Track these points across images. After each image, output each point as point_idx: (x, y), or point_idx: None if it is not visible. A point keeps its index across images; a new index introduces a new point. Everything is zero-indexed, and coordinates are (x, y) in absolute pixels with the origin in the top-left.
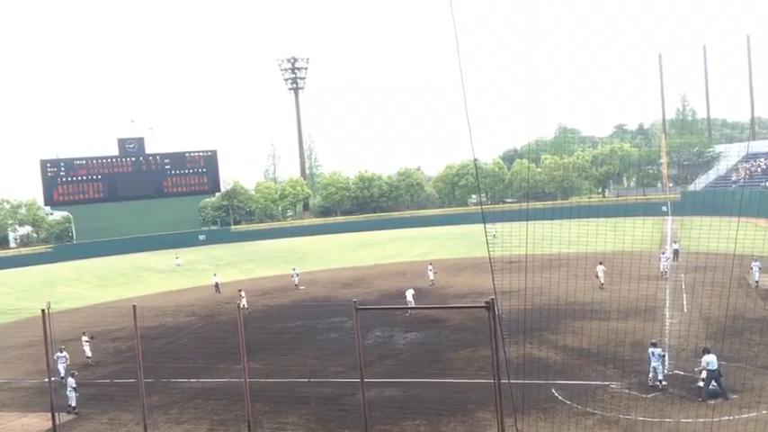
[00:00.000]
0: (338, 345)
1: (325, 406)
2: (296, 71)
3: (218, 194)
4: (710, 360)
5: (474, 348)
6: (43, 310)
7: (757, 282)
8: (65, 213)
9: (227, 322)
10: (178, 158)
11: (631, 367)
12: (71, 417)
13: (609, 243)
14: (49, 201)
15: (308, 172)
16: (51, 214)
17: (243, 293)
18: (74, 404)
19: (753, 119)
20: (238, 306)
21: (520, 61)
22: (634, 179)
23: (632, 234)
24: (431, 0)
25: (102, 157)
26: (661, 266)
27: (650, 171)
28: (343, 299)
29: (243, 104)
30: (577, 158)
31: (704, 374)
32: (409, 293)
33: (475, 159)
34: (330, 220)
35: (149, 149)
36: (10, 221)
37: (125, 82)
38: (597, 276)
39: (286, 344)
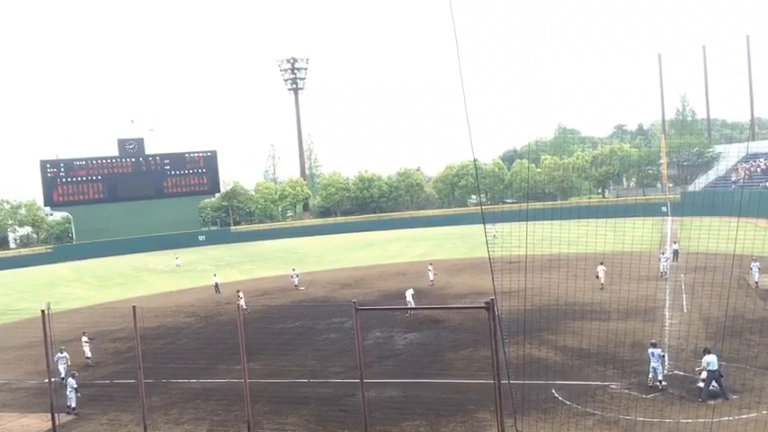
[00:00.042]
0: (338, 345)
1: (325, 406)
2: (296, 71)
3: (217, 195)
4: (711, 360)
5: (474, 349)
6: (43, 311)
7: (757, 282)
8: (65, 214)
9: (226, 323)
10: (178, 159)
11: (631, 368)
12: (71, 417)
13: (609, 243)
14: (49, 201)
15: (307, 172)
16: (51, 215)
17: (241, 294)
18: (74, 405)
19: (752, 119)
20: (238, 306)
21: (520, 61)
22: (634, 179)
23: (632, 234)
24: (431, 0)
25: (101, 158)
26: (661, 267)
27: (650, 171)
28: (342, 299)
29: (243, 105)
30: (577, 159)
31: (704, 375)
32: (409, 294)
33: (475, 160)
34: (330, 220)
35: (149, 150)
36: (10, 222)
37: (125, 82)
38: (598, 277)
39: (286, 344)
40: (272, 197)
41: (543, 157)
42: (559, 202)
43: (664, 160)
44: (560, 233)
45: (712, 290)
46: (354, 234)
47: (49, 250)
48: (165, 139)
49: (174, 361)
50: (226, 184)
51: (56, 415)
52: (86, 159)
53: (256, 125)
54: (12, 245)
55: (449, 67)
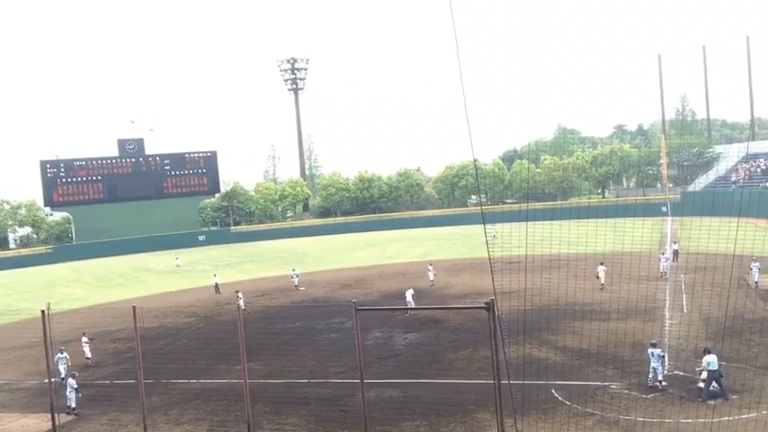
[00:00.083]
0: (338, 345)
1: (325, 407)
2: (296, 72)
3: (217, 195)
4: (711, 360)
5: (474, 349)
6: (43, 311)
7: (757, 282)
8: (64, 214)
9: (226, 323)
10: (178, 159)
11: (631, 368)
12: (70, 418)
13: (609, 244)
14: (49, 201)
15: (307, 173)
16: (51, 215)
17: (240, 294)
18: (74, 405)
19: (752, 119)
20: (238, 307)
21: (520, 61)
22: (634, 180)
23: (632, 235)
24: (431, 0)
25: (101, 158)
26: (661, 267)
27: (650, 172)
28: (342, 299)
29: (243, 105)
30: (577, 159)
31: (704, 375)
32: (409, 294)
33: (475, 160)
34: (330, 220)
35: (149, 150)
36: (10, 222)
37: (125, 82)
38: (598, 277)
39: (286, 345)
40: (272, 197)
41: (543, 157)
42: (559, 202)
43: (664, 160)
44: (560, 233)
45: (712, 290)
46: (354, 234)
47: (48, 250)
48: (165, 139)
49: (173, 361)
50: (226, 184)
51: (56, 415)
52: (86, 159)
53: (256, 125)
54: (12, 245)
55: (449, 67)
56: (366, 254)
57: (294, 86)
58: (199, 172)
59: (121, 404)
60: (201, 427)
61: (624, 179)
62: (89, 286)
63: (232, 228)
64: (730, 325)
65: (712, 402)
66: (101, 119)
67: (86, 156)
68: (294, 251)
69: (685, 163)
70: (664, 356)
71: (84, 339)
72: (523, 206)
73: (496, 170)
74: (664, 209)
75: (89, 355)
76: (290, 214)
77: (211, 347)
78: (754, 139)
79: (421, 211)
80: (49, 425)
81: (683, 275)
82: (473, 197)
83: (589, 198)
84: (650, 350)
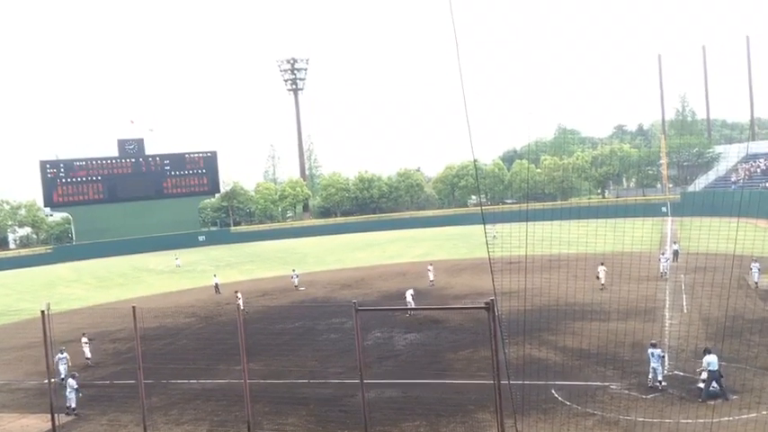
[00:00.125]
0: (338, 346)
1: (325, 407)
2: (295, 72)
3: (217, 195)
4: (711, 361)
5: (474, 349)
6: (43, 312)
7: (757, 282)
8: (64, 214)
9: (226, 323)
10: (178, 159)
11: (631, 368)
12: (70, 418)
13: (609, 244)
14: (49, 202)
15: (307, 173)
16: (51, 215)
17: (239, 295)
18: (73, 405)
19: (752, 119)
20: (238, 307)
21: (520, 61)
22: (634, 180)
23: (632, 235)
24: (431, 0)
25: (101, 158)
26: (661, 267)
27: (650, 172)
28: (342, 300)
29: (243, 105)
30: (577, 159)
31: (704, 375)
32: (409, 294)
33: (474, 160)
34: (330, 220)
35: (149, 150)
36: (9, 223)
37: (125, 82)
38: (598, 277)
39: (286, 345)
40: (271, 197)
41: (543, 157)
42: (559, 202)
43: (664, 161)
44: (560, 233)
45: (712, 290)
46: (354, 234)
47: (48, 251)
48: (165, 139)
49: (173, 361)
50: (226, 184)
51: (56, 415)
52: (86, 160)
53: (256, 125)
54: (12, 245)
55: (449, 67)
56: (366, 254)
57: (294, 86)
58: (199, 172)
59: (121, 404)
60: (201, 427)
61: (624, 179)
62: (89, 286)
63: (232, 228)
64: (730, 325)
65: (712, 402)
66: (101, 119)
67: (86, 156)
68: (294, 251)
69: (685, 163)
70: (664, 357)
71: (84, 340)
72: (523, 206)
73: (496, 170)
74: (664, 209)
75: (89, 355)
76: (290, 214)
77: (211, 348)
78: (754, 140)
79: (421, 212)
80: (49, 425)
81: (683, 276)
82: (473, 197)
83: (589, 198)
84: (650, 350)
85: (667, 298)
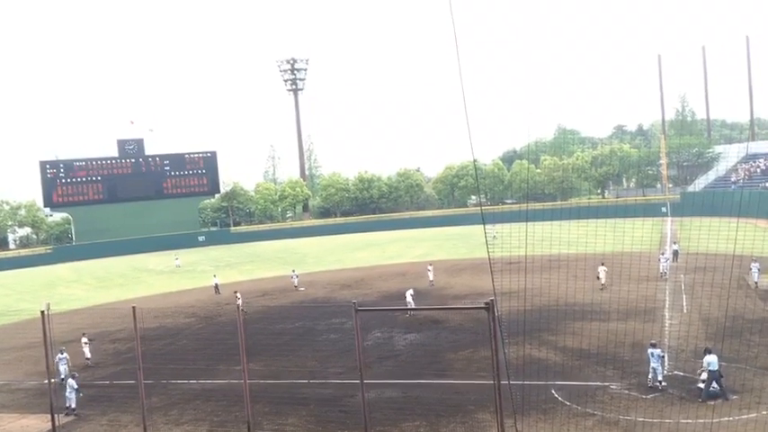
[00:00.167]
0: (338, 346)
1: (325, 407)
2: (295, 72)
3: (217, 196)
4: (711, 361)
5: (474, 349)
6: (43, 312)
7: (756, 282)
8: (64, 215)
9: (226, 323)
10: (178, 160)
11: (631, 368)
12: (70, 418)
13: (608, 244)
14: (49, 202)
15: (307, 173)
16: (51, 216)
17: (239, 295)
18: (73, 405)
19: (752, 119)
20: (238, 307)
21: (520, 61)
22: (633, 180)
23: (632, 235)
24: (431, 0)
25: (101, 159)
26: (660, 267)
27: (650, 172)
28: (342, 300)
29: (243, 105)
30: (577, 159)
31: (705, 375)
32: (409, 294)
33: (474, 160)
34: (330, 221)
35: (149, 151)
36: (9, 223)
37: (125, 83)
38: (598, 277)
39: (286, 345)
40: (271, 198)
41: (543, 157)
42: (559, 202)
43: (663, 161)
44: (560, 233)
45: (712, 290)
46: (354, 235)
47: (48, 251)
48: (164, 139)
49: (173, 362)
50: (226, 184)
51: (56, 416)
52: (86, 160)
53: (256, 125)
54: (11, 246)
55: (449, 67)
56: (366, 254)
57: (294, 87)
58: (199, 172)
59: (121, 405)
60: (201, 427)
61: (624, 179)
62: (89, 287)
63: (232, 228)
64: (730, 325)
65: (712, 403)
66: (101, 119)
67: (86, 156)
68: (294, 251)
69: (685, 163)
70: (663, 357)
71: (84, 340)
72: (523, 206)
73: (496, 170)
74: (663, 209)
75: (89, 355)
76: (290, 215)
77: (211, 348)
78: (753, 140)
79: (421, 212)
80: (49, 425)
81: (682, 276)
82: (473, 197)
83: (589, 198)
84: (650, 350)
85: (667, 298)
